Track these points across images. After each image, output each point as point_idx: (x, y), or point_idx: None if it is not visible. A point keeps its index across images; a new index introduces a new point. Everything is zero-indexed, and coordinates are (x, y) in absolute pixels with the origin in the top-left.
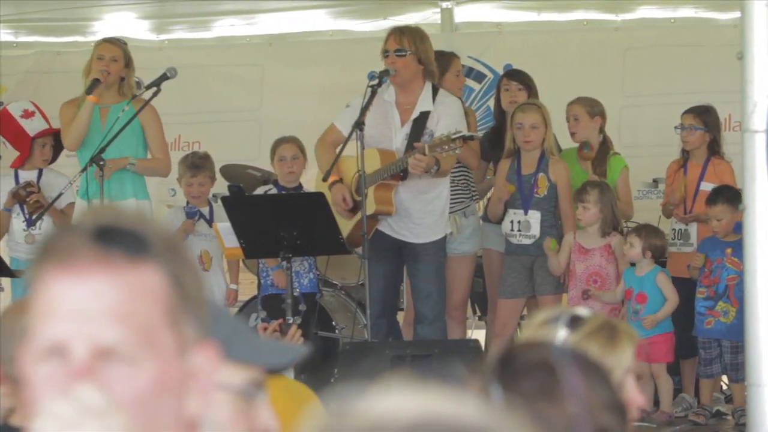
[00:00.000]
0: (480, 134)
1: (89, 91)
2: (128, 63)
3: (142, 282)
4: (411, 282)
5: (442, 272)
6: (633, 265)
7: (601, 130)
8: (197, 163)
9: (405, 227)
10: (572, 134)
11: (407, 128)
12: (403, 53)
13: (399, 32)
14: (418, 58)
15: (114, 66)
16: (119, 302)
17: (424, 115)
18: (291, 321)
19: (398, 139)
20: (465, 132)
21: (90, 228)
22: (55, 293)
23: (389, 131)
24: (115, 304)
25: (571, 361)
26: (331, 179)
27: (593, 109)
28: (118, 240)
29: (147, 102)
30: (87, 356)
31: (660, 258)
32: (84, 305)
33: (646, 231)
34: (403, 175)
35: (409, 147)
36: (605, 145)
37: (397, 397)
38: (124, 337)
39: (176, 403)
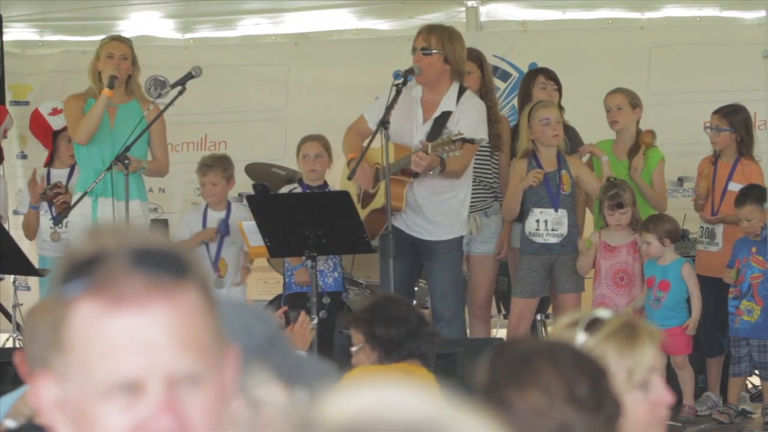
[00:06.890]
0: (485, 139)
1: (111, 86)
2: (134, 61)
3: (191, 303)
4: (427, 281)
5: (458, 272)
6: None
7: (638, 123)
8: (207, 162)
9: (419, 224)
10: (613, 123)
11: (428, 126)
12: (429, 52)
13: (428, 30)
14: (445, 58)
15: (124, 64)
16: (181, 328)
17: (446, 115)
18: (315, 320)
19: (418, 136)
20: (476, 136)
21: (127, 253)
22: (111, 327)
23: (411, 128)
24: (177, 331)
25: (547, 353)
26: (350, 156)
27: (634, 100)
28: (160, 263)
29: (171, 103)
30: (163, 390)
31: (677, 239)
32: (149, 338)
33: (653, 222)
34: (413, 172)
35: None
36: (639, 137)
37: (346, 396)
38: (195, 363)
39: (226, 411)
